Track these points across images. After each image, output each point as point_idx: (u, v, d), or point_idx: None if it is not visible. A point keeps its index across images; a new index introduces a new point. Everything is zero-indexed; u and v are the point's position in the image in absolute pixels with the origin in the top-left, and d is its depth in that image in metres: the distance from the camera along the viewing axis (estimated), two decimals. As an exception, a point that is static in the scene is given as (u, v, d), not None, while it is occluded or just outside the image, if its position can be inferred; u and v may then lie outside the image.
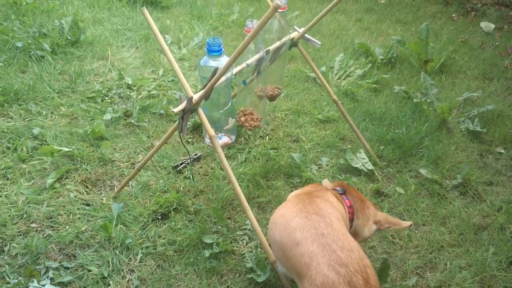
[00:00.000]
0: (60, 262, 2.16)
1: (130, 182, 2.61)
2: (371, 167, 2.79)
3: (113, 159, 2.80)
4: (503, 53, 4.38)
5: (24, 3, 4.54)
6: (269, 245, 1.96)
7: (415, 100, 3.42)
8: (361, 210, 2.02)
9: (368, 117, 3.27)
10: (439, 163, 2.90)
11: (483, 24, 5.05)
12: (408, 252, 2.32)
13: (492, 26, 5.00)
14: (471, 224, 2.47)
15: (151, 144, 2.94)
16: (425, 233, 2.43)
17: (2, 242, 2.24)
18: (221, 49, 2.13)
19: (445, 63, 4.07)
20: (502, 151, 3.04)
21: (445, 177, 2.80)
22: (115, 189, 2.58)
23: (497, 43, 4.60)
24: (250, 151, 2.92)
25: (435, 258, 2.29)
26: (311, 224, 1.73)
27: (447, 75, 3.97)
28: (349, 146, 3.01)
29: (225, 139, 2.40)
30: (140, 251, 2.24)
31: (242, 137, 3.02)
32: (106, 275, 2.11)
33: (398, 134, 3.06)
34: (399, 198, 2.63)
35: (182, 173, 2.73)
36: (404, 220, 2.49)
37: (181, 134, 2.03)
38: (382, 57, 4.10)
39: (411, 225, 2.34)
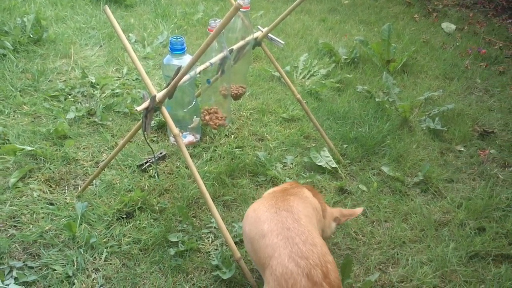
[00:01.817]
0: (24, 262, 2.14)
1: (94, 181, 2.59)
2: (334, 165, 2.82)
3: (76, 158, 2.78)
4: (464, 53, 4.47)
5: (-15, 0, 4.47)
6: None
7: (377, 100, 3.47)
8: (324, 211, 2.07)
9: (332, 116, 3.31)
10: (400, 161, 2.95)
11: (444, 25, 5.15)
12: (371, 248, 2.36)
13: (453, 26, 5.11)
14: (432, 221, 2.53)
15: (115, 143, 2.92)
16: (387, 229, 2.48)
17: (-37, 242, 2.21)
18: (184, 47, 2.14)
19: (407, 63, 4.14)
20: (462, 149, 3.11)
21: (407, 175, 2.86)
22: (79, 188, 2.56)
23: (457, 44, 4.70)
24: (215, 150, 2.93)
25: (397, 254, 2.34)
26: (278, 218, 1.78)
27: (408, 74, 4.04)
28: (313, 145, 3.05)
29: (190, 138, 2.41)
30: (105, 250, 2.23)
31: (207, 136, 3.03)
32: (70, 274, 2.10)
33: (361, 133, 3.11)
34: (362, 195, 2.68)
35: (147, 172, 2.73)
36: (367, 217, 2.53)
37: (145, 132, 2.03)
38: (345, 57, 4.15)
39: (364, 210, 2.47)
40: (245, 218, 1.93)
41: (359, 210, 2.15)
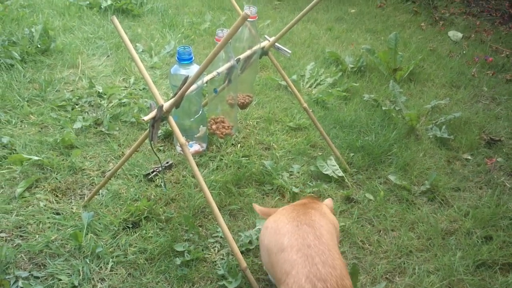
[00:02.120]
0: (30, 272, 2.14)
1: (100, 191, 2.60)
2: (341, 173, 2.82)
3: (83, 168, 2.78)
4: (470, 62, 4.46)
5: (-7, 11, 4.50)
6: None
7: (384, 108, 3.47)
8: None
9: (338, 125, 3.31)
10: (407, 170, 2.94)
11: (451, 33, 5.14)
12: (377, 257, 2.35)
13: (460, 35, 5.10)
14: (439, 229, 2.51)
15: (122, 152, 2.93)
16: (394, 238, 2.47)
17: (-30, 252, 2.22)
18: (192, 57, 2.14)
19: (414, 72, 4.14)
20: (469, 157, 3.10)
21: (414, 183, 2.85)
22: (86, 198, 2.56)
23: (464, 52, 4.69)
24: (222, 159, 2.93)
25: (404, 263, 2.33)
26: (300, 233, 1.74)
27: (415, 83, 4.03)
28: (320, 153, 3.04)
29: (196, 147, 2.41)
30: (110, 259, 2.23)
31: (214, 145, 3.03)
32: (76, 284, 2.10)
33: (367, 141, 3.10)
34: (369, 204, 2.67)
35: (153, 181, 2.73)
36: (373, 226, 2.52)
37: (152, 142, 2.04)
38: (352, 65, 4.15)
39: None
40: (264, 229, 1.90)
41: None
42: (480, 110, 3.65)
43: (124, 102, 3.39)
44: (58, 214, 2.47)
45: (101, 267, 2.20)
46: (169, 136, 3.08)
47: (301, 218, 1.81)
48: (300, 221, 1.80)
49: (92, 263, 2.21)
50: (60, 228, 2.38)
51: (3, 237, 2.31)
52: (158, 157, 2.28)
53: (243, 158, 2.93)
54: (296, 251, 1.67)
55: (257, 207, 2.11)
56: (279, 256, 1.71)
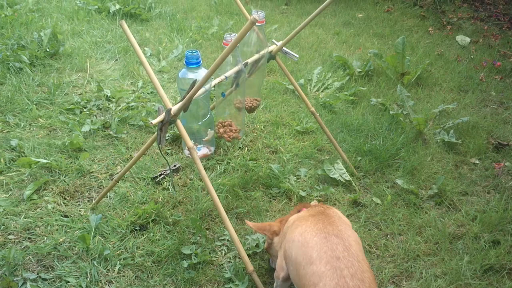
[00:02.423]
0: (38, 274, 2.15)
1: (108, 194, 2.61)
2: (348, 177, 2.82)
3: (91, 171, 2.80)
4: (478, 66, 4.46)
5: (3, 15, 4.53)
6: (285, 263, 1.91)
7: (391, 112, 3.47)
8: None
9: (346, 129, 3.31)
10: (415, 174, 2.94)
11: (458, 38, 5.13)
12: (384, 261, 2.35)
13: (468, 39, 5.09)
14: (446, 234, 2.51)
15: (130, 155, 2.94)
16: (401, 242, 2.46)
17: (-21, 254, 2.23)
18: (199, 61, 2.15)
19: (421, 76, 4.13)
20: (477, 161, 3.09)
21: (421, 188, 2.85)
22: (94, 201, 2.58)
23: (472, 56, 4.68)
24: (229, 162, 2.94)
25: (411, 267, 2.32)
26: (328, 245, 1.70)
27: (423, 87, 4.03)
28: (327, 157, 3.05)
29: (204, 151, 2.41)
30: (118, 262, 2.24)
31: (221, 149, 3.04)
32: (84, 286, 2.11)
33: (375, 145, 3.10)
34: (376, 208, 2.67)
35: (161, 184, 2.74)
36: (381, 230, 2.52)
37: (160, 145, 2.04)
38: (359, 70, 4.15)
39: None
40: (289, 242, 1.85)
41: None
42: (488, 115, 3.64)
43: (132, 106, 3.41)
44: (66, 216, 2.48)
45: (108, 269, 2.21)
46: (176, 139, 3.09)
47: (328, 229, 1.78)
48: (327, 232, 1.76)
49: (100, 266, 2.22)
50: (68, 230, 2.40)
51: (11, 239, 2.33)
52: (166, 160, 2.28)
53: (250, 162, 2.94)
54: (325, 264, 1.64)
55: (250, 223, 2.09)
56: (307, 269, 1.68)
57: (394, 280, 2.26)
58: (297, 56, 2.62)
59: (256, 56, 2.42)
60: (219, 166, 2.90)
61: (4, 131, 3.05)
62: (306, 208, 2.04)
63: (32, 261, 2.23)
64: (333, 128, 3.30)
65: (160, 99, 2.09)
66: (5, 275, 2.12)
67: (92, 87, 3.64)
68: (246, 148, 3.09)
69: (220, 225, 2.49)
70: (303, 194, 2.68)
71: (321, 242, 1.72)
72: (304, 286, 1.68)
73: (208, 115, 2.31)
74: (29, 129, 3.11)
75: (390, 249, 2.42)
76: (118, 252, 2.30)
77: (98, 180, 2.75)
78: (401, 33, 5.17)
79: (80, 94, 3.56)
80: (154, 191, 2.68)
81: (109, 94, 3.51)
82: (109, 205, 2.57)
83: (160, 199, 2.63)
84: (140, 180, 2.77)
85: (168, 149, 3.03)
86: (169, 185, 2.73)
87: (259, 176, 2.82)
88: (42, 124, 3.15)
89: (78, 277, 2.16)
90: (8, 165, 2.77)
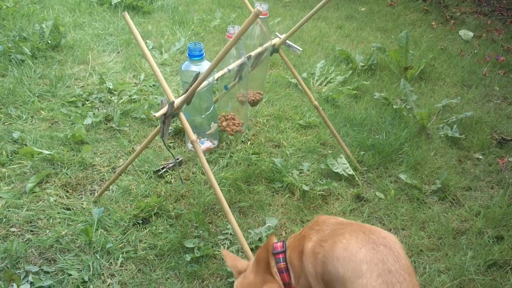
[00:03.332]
0: (40, 267, 2.15)
1: (110, 187, 2.60)
2: (351, 172, 2.81)
3: (93, 164, 2.79)
4: (481, 61, 4.44)
5: (4, 6, 4.51)
6: (323, 281, 1.66)
7: (394, 107, 3.45)
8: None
9: (349, 123, 3.30)
10: (418, 169, 2.93)
11: (462, 32, 5.11)
12: (387, 256, 2.34)
13: (471, 34, 5.07)
14: (449, 229, 2.50)
15: (132, 148, 2.93)
16: (404, 237, 2.45)
17: (-19, 246, 2.23)
18: (202, 54, 2.14)
19: (425, 70, 4.11)
20: (480, 157, 3.08)
21: (424, 182, 2.84)
22: (96, 194, 2.57)
23: (475, 51, 4.67)
24: (232, 156, 2.93)
25: (415, 262, 2.31)
26: (379, 257, 1.52)
27: (426, 82, 4.01)
28: (330, 152, 3.03)
29: (207, 144, 2.40)
30: (120, 255, 2.23)
31: (224, 142, 3.03)
32: (86, 279, 2.10)
33: (378, 140, 3.09)
34: (379, 203, 2.66)
35: (163, 178, 2.73)
36: (384, 224, 2.51)
37: (163, 138, 2.03)
38: (362, 64, 4.13)
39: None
40: (333, 261, 1.60)
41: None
42: (491, 110, 3.63)
43: (134, 99, 3.40)
44: (68, 209, 2.47)
45: (111, 262, 2.21)
46: (179, 133, 3.08)
47: (373, 238, 1.57)
48: (374, 242, 1.56)
49: (102, 259, 2.21)
50: (71, 223, 2.39)
51: (13, 232, 2.32)
52: (171, 153, 2.27)
53: (253, 156, 2.93)
54: (376, 277, 1.47)
55: (224, 252, 1.91)
56: (356, 283, 1.50)
57: (397, 275, 2.25)
58: (301, 49, 2.61)
59: (259, 49, 2.41)
60: (222, 159, 2.89)
61: (6, 123, 3.04)
62: (278, 244, 1.77)
63: (34, 254, 2.22)
64: (336, 122, 3.29)
65: (163, 91, 2.08)
66: (7, 267, 2.12)
67: (94, 80, 3.63)
68: (249, 142, 3.08)
69: (223, 219, 2.49)
70: (306, 188, 2.67)
71: (369, 254, 1.53)
72: None
73: (211, 108, 2.30)
74: (31, 121, 3.10)
75: (393, 244, 2.40)
76: (120, 245, 2.29)
77: (101, 173, 2.74)
78: (404, 27, 5.16)
79: (82, 86, 3.55)
80: (157, 185, 2.68)
81: (111, 87, 3.50)
82: (111, 198, 2.56)
83: (162, 193, 2.62)
84: (143, 173, 2.76)
85: (171, 143, 3.02)
86: (172, 178, 2.72)
87: (261, 170, 2.81)
88: (44, 116, 3.14)
89: (81, 270, 2.15)
90: (10, 157, 2.76)
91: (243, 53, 2.21)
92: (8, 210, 2.42)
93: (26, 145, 2.84)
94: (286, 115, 3.37)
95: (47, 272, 2.13)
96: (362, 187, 2.76)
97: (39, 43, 3.94)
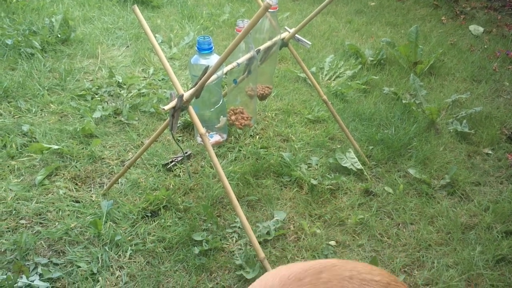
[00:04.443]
0: (49, 258, 2.16)
1: (119, 180, 2.61)
2: (360, 166, 2.81)
3: (102, 157, 2.80)
4: (492, 56, 4.41)
5: (14, 0, 4.52)
6: None
7: (404, 101, 3.44)
8: None
9: (358, 118, 3.29)
10: (427, 163, 2.92)
11: (472, 27, 5.08)
12: (396, 250, 2.34)
13: (481, 29, 5.04)
14: (458, 224, 2.49)
15: (141, 142, 2.94)
16: (413, 232, 2.45)
17: (-9, 238, 2.24)
18: (212, 47, 2.14)
19: (434, 65, 4.10)
20: (490, 152, 3.07)
21: (433, 177, 2.83)
22: (105, 187, 2.58)
23: (485, 46, 4.64)
24: (240, 150, 2.93)
25: (423, 257, 2.31)
26: None
27: (436, 77, 3.99)
28: (339, 146, 3.03)
29: (216, 138, 2.41)
30: (129, 248, 2.24)
31: (232, 136, 3.03)
32: (95, 271, 2.12)
33: (387, 135, 3.08)
34: (388, 198, 2.65)
35: (172, 171, 2.74)
36: (392, 219, 2.51)
37: (172, 131, 2.04)
38: (371, 58, 4.12)
39: None
40: None
41: None
42: (501, 105, 3.61)
43: (143, 92, 3.41)
44: (77, 202, 2.49)
45: (119, 255, 2.22)
46: (187, 126, 3.08)
47: None
48: None
49: (111, 251, 2.22)
50: (80, 216, 2.40)
51: (23, 224, 2.33)
52: (180, 147, 2.27)
53: (262, 150, 2.93)
54: None
55: None
56: None
57: (406, 269, 2.25)
58: (310, 43, 2.60)
59: (268, 43, 2.41)
60: (230, 153, 2.90)
61: (15, 117, 3.06)
62: None
63: (43, 246, 2.23)
64: (345, 117, 3.28)
65: (172, 85, 2.08)
66: (17, 259, 2.13)
67: (104, 74, 3.64)
68: (258, 136, 3.08)
69: (231, 212, 2.49)
70: (314, 182, 2.66)
71: None
72: None
73: (221, 102, 2.30)
74: (41, 114, 3.11)
75: (402, 239, 2.40)
76: (129, 238, 2.30)
77: (110, 166, 2.75)
78: (414, 22, 5.13)
79: (92, 80, 3.56)
80: (165, 178, 2.68)
81: (120, 81, 3.51)
82: (120, 191, 2.57)
83: (171, 186, 2.63)
84: (152, 166, 2.77)
85: (180, 136, 3.02)
86: (180, 172, 2.73)
87: (270, 164, 2.81)
88: (53, 110, 3.16)
89: (90, 262, 2.16)
90: (20, 150, 2.77)
91: (252, 47, 2.21)
92: (18, 203, 2.44)
93: (35, 138, 2.85)
94: (294, 110, 3.37)
95: (56, 264, 2.15)
96: (370, 182, 2.75)
97: (49, 37, 3.95)
